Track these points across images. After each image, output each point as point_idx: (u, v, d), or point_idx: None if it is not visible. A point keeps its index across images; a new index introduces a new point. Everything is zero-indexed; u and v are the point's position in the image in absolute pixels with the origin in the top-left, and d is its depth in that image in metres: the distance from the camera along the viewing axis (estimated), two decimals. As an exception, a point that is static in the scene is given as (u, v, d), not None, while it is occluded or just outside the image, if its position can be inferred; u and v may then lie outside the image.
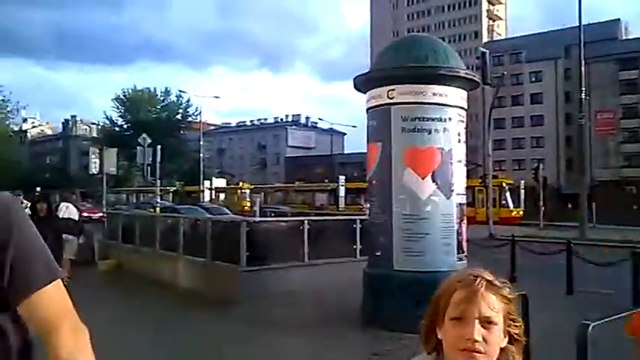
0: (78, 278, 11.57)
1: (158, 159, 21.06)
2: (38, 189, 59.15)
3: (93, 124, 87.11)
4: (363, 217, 9.88)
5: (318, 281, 8.90)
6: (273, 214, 18.33)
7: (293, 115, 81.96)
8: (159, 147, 21.68)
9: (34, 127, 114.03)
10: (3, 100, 31.88)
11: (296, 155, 71.43)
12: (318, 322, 7.08)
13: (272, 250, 8.90)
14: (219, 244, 9.14)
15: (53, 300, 1.17)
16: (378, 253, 6.89)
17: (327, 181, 41.64)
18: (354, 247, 9.82)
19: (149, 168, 21.20)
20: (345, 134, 79.76)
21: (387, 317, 6.39)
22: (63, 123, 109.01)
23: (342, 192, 34.86)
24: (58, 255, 6.82)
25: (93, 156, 12.97)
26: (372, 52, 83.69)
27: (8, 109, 32.46)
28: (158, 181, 21.57)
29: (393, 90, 6.77)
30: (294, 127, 78.59)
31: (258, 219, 9.10)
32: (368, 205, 7.32)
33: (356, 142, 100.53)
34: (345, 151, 74.56)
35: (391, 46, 7.59)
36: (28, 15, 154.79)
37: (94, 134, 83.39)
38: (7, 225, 1.16)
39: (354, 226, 9.86)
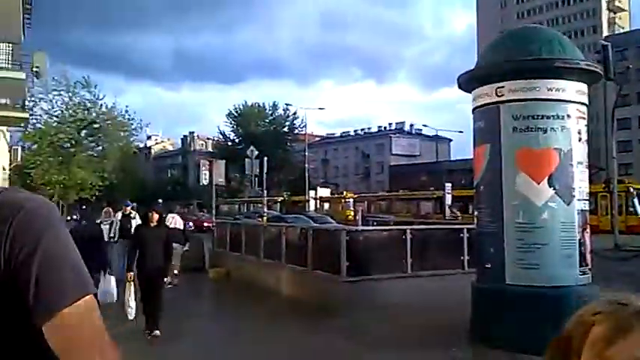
0: (189, 285, 12.14)
1: (265, 170, 21.73)
2: (160, 201, 63.95)
3: (208, 139, 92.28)
4: (470, 227, 9.25)
5: (422, 294, 8.41)
6: (375, 223, 17.98)
7: (397, 123, 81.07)
8: (265, 159, 22.37)
9: (156, 143, 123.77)
10: (128, 119, 34.46)
11: (400, 163, 70.42)
12: (422, 339, 6.64)
13: (373, 260, 8.60)
14: (320, 253, 9.01)
15: (83, 320, 0.98)
16: (488, 266, 6.32)
17: (432, 189, 40.45)
18: (462, 258, 9.20)
19: (256, 179, 21.91)
20: (450, 140, 77.40)
21: (498, 336, 5.81)
22: (182, 139, 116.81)
23: (448, 200, 33.58)
24: (166, 263, 7.03)
25: (203, 168, 13.52)
26: (479, 54, 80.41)
27: (133, 127, 35.06)
28: (265, 192, 22.19)
29: (502, 87, 6.20)
30: (398, 135, 77.64)
31: (358, 228, 8.84)
32: (476, 214, 6.76)
33: (463, 148, 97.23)
34: (452, 158, 72.25)
35: (499, 39, 6.99)
36: (152, 42, 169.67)
37: (210, 148, 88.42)
38: (35, 234, 0.99)
39: (461, 235, 9.24)
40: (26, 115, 16.25)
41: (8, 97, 13.97)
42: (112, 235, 11.15)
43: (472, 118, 6.75)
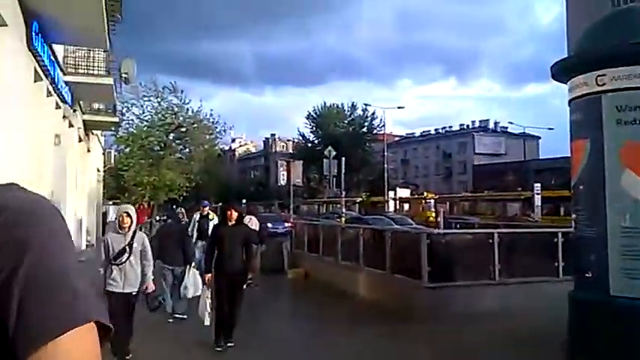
0: (269, 286, 12.17)
1: (343, 170, 21.56)
2: (244, 201, 65.95)
3: (289, 140, 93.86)
4: (566, 230, 8.48)
5: (511, 303, 7.82)
6: (458, 226, 17.20)
7: (480, 121, 77.96)
8: (343, 159, 22.19)
9: (240, 146, 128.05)
10: (212, 122, 35.64)
11: (484, 163, 67.63)
12: (510, 353, 6.10)
13: (457, 265, 8.09)
14: (400, 257, 8.63)
15: (75, 354, 0.74)
16: (588, 274, 5.66)
17: (520, 189, 38.40)
18: (556, 264, 8.46)
19: (335, 179, 21.78)
20: (539, 138, 73.24)
21: (599, 354, 5.18)
22: (264, 141, 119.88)
23: (538, 201, 31.72)
24: (248, 262, 6.65)
25: (281, 169, 13.54)
26: (569, 46, 75.68)
27: (217, 129, 36.27)
28: (344, 192, 22.01)
29: (604, 75, 5.52)
30: (481, 133, 74.63)
31: (441, 231, 8.37)
32: (573, 216, 6.10)
33: (553, 146, 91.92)
34: (541, 157, 68.39)
35: (599, 21, 6.25)
36: (237, 49, 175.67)
37: (290, 150, 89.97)
38: (19, 244, 0.75)
39: (555, 240, 8.49)
40: (116, 119, 17.18)
41: (101, 103, 14.84)
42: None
43: (568, 111, 6.10)
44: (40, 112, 9.35)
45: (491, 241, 8.17)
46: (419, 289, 7.81)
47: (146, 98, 34.96)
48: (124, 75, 20.40)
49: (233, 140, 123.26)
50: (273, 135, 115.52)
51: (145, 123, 35.92)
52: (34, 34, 7.49)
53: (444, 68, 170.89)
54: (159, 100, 35.21)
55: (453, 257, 8.16)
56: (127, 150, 36.07)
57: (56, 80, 10.11)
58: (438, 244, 8.05)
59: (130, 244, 5.56)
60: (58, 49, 10.53)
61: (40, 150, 9.41)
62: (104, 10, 7.90)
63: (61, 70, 11.02)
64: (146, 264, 5.73)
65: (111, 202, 38.25)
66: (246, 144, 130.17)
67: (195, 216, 11.29)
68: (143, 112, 35.72)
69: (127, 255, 5.52)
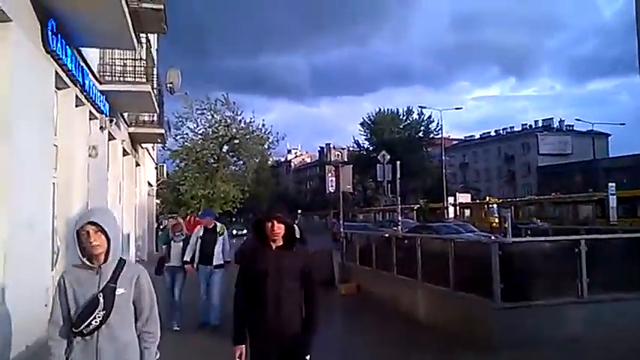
0: (326, 299, 11.21)
1: (398, 175, 20.33)
2: (299, 211, 65.61)
3: (343, 149, 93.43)
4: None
5: (605, 325, 6.44)
6: (529, 232, 15.54)
7: (544, 120, 73.97)
8: (398, 162, 20.96)
9: (296, 156, 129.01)
10: (265, 132, 35.44)
11: (550, 164, 63.96)
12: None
13: (535, 280, 6.76)
14: (464, 271, 7.38)
15: None
16: None
17: (591, 190, 35.60)
18: (657, 277, 6.98)
19: (389, 185, 20.59)
20: (609, 135, 68.65)
21: None
22: (319, 151, 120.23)
23: (612, 202, 29.09)
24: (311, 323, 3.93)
25: (329, 174, 12.54)
26: (640, 36, 70.65)
27: (270, 140, 36.11)
28: (399, 198, 20.77)
29: None
30: (545, 132, 70.73)
31: (513, 239, 7.08)
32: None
33: (624, 144, 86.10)
34: (610, 155, 63.95)
35: None
36: (290, 61, 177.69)
37: (345, 158, 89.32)
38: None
39: (656, 247, 7.00)
40: (162, 131, 16.80)
41: (143, 113, 14.45)
42: (186, 258, 7.89)
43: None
44: (68, 121, 8.81)
45: (576, 249, 6.80)
46: (489, 309, 6.54)
47: (199, 111, 35.17)
48: (169, 85, 20.19)
49: (289, 151, 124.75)
50: (328, 144, 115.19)
51: (200, 136, 36.11)
52: (50, 33, 6.89)
53: (501, 68, 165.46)
54: (212, 112, 35.30)
55: (530, 271, 6.84)
56: (183, 164, 36.44)
57: (87, 88, 9.60)
58: (512, 255, 6.75)
59: (109, 290, 2.74)
60: (91, 56, 10.04)
61: (70, 161, 8.86)
62: (125, 8, 7.22)
63: (95, 78, 10.56)
64: (146, 333, 2.85)
65: (169, 216, 38.85)
66: (301, 155, 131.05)
67: (197, 230, 8.15)
68: (197, 126, 35.91)
69: (99, 312, 2.70)
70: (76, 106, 9.58)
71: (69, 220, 8.78)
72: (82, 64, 9.21)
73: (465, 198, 45.53)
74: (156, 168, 27.91)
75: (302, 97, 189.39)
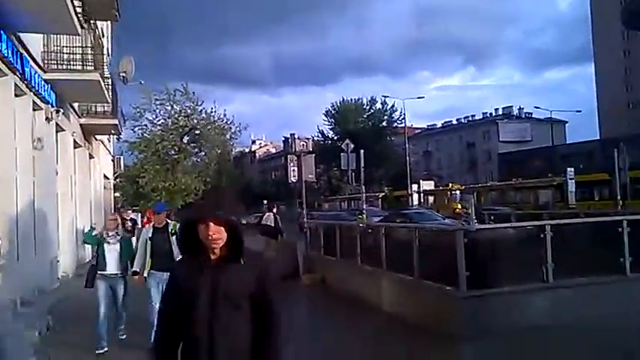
0: (289, 292, 10.91)
1: (362, 164, 20.16)
2: (265, 201, 65.14)
3: (308, 139, 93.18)
4: (633, 217, 6.99)
5: (571, 310, 6.38)
6: (492, 218, 15.60)
7: (503, 108, 75.41)
8: (362, 151, 20.78)
9: (260, 147, 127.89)
10: (226, 123, 34.66)
11: (510, 151, 65.29)
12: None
13: (501, 267, 6.63)
14: (429, 260, 7.20)
15: None
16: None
17: (550, 175, 36.39)
18: (621, 259, 6.95)
19: (353, 174, 20.40)
20: (566, 122, 70.45)
21: None
22: (284, 141, 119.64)
23: (571, 186, 29.77)
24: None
25: (291, 164, 12.20)
26: (594, 28, 72.70)
27: (232, 130, 35.39)
28: (364, 187, 20.61)
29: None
30: (505, 120, 72.14)
31: (477, 226, 6.93)
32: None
33: (580, 131, 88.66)
34: (568, 141, 65.68)
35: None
36: (252, 53, 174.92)
37: (310, 148, 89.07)
38: None
39: (620, 229, 6.96)
40: (115, 121, 16.07)
41: (93, 103, 13.73)
42: (135, 268, 6.49)
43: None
44: (7, 112, 8.18)
45: (542, 235, 6.69)
46: (455, 298, 6.37)
47: (158, 102, 34.13)
48: (122, 74, 19.36)
49: (253, 142, 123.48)
50: (292, 134, 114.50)
51: (159, 127, 35.07)
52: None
53: (462, 58, 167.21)
54: (171, 103, 34.32)
55: (496, 257, 6.70)
56: (142, 156, 35.36)
57: (29, 77, 8.94)
58: (477, 243, 6.59)
59: None
60: (33, 43, 9.34)
61: (10, 154, 8.24)
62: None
63: (38, 66, 9.88)
64: None
65: (130, 210, 37.77)
66: (266, 145, 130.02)
67: (144, 231, 6.73)
68: (156, 117, 34.86)
69: None
70: (16, 95, 8.94)
71: (11, 215, 8.20)
72: (22, 50, 8.56)
73: (428, 185, 45.98)
74: (112, 160, 26.92)
75: (264, 88, 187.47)
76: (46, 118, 10.51)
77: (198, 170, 36.35)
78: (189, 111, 34.64)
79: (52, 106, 10.63)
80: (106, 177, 23.10)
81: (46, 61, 10.45)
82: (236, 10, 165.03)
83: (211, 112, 34.85)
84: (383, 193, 49.72)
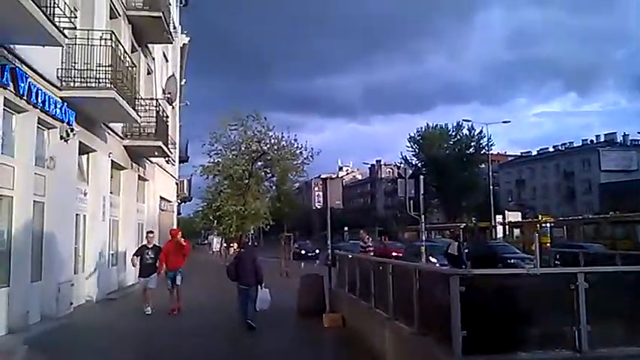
0: (303, 333, 9.73)
1: (421, 190, 18.52)
2: (346, 228, 63.99)
3: (395, 165, 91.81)
4: None
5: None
6: (558, 256, 13.32)
7: (606, 135, 68.97)
8: (421, 177, 19.20)
9: (347, 174, 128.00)
10: (297, 148, 34.19)
11: (613, 180, 59.23)
12: None
13: (512, 325, 5.00)
14: (428, 309, 5.71)
15: None
16: None
17: (657, 209, 31.95)
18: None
19: (411, 202, 18.80)
20: (680, 150, 63.02)
21: None
22: (370, 168, 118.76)
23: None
24: None
25: (316, 189, 11.09)
26: None
27: (304, 156, 34.79)
28: (423, 217, 18.91)
29: None
30: (608, 148, 65.78)
31: (476, 271, 5.33)
32: None
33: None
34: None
35: None
36: (344, 82, 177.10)
37: (396, 175, 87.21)
38: None
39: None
40: (159, 143, 15.88)
41: (115, 122, 13.43)
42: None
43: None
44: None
45: (573, 286, 5.00)
46: (447, 364, 4.85)
47: (233, 127, 34.56)
48: (167, 95, 19.39)
49: (340, 169, 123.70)
50: (378, 161, 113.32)
51: (232, 152, 35.45)
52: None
53: (562, 84, 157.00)
54: (244, 128, 34.61)
55: (507, 313, 5.07)
56: (216, 180, 35.92)
57: (28, 93, 8.61)
58: (482, 293, 5.04)
59: None
60: (41, 59, 9.07)
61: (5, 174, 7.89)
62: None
63: (50, 83, 9.65)
64: None
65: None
66: (353, 172, 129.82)
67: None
68: (231, 142, 35.26)
69: None
70: (17, 112, 8.70)
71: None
72: (18, 64, 8.27)
73: (514, 217, 42.40)
74: (177, 183, 27.21)
75: (355, 116, 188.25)
76: (61, 137, 10.26)
77: (268, 195, 36.33)
78: (260, 135, 34.78)
79: (69, 125, 10.38)
80: (165, 199, 23.23)
81: (64, 79, 10.27)
82: (331, 42, 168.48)
83: (281, 137, 34.70)
84: (464, 224, 46.70)
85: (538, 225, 37.22)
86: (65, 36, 7.75)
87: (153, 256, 11.61)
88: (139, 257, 11.70)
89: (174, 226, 27.82)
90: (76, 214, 11.74)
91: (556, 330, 5.04)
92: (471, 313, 4.89)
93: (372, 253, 15.81)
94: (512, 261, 19.38)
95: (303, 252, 38.56)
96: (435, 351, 5.15)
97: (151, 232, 12.79)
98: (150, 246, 11.86)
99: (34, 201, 9.29)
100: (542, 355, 4.90)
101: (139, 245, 13.10)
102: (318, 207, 11.30)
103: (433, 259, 19.61)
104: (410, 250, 20.44)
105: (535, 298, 5.12)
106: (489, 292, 5.16)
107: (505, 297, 5.14)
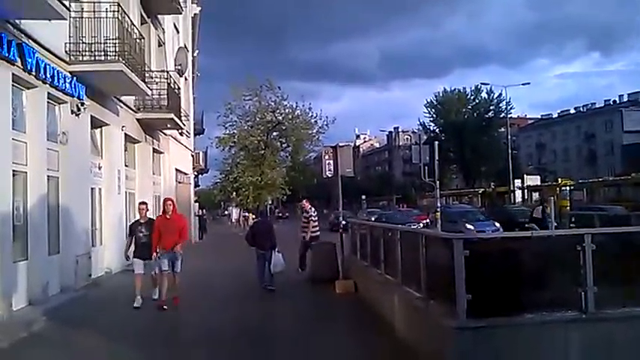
0: (317, 299, 9.87)
1: (436, 157, 18.35)
2: (363, 197, 64.06)
3: (413, 132, 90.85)
4: None
5: (618, 352, 4.60)
6: (573, 219, 13.17)
7: (629, 94, 67.08)
8: (436, 143, 18.97)
9: (364, 142, 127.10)
10: (311, 117, 34.11)
11: (636, 142, 57.90)
12: None
13: (516, 289, 4.99)
14: (433, 274, 5.72)
15: None
16: None
17: (680, 170, 31.28)
18: None
19: (426, 168, 18.67)
20: None
21: None
22: (387, 135, 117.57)
23: None
24: None
25: (326, 157, 11.03)
26: None
27: (319, 125, 34.77)
28: (437, 183, 18.78)
29: None
30: (631, 108, 64.07)
31: (480, 236, 5.27)
32: None
33: None
34: None
35: None
36: (360, 48, 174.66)
37: (414, 141, 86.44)
38: None
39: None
40: (170, 115, 15.92)
41: (124, 94, 13.44)
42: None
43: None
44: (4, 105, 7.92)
45: (579, 248, 4.94)
46: (450, 330, 4.87)
47: (247, 97, 34.43)
48: (177, 67, 19.31)
49: (357, 137, 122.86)
50: (396, 128, 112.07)
51: (247, 123, 35.43)
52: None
53: (585, 44, 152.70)
54: (258, 99, 34.46)
55: (511, 277, 5.05)
56: (232, 151, 36.08)
57: (37, 68, 8.65)
58: (485, 255, 5.02)
59: None
60: (48, 33, 9.07)
61: (5, 149, 7.97)
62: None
63: (58, 57, 9.67)
64: None
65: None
66: (370, 140, 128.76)
67: None
68: (245, 113, 35.21)
69: None
70: (26, 88, 8.77)
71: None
72: (25, 40, 8.29)
73: (534, 180, 41.92)
74: (192, 155, 27.36)
75: (373, 82, 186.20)
76: (72, 112, 10.34)
77: (284, 166, 36.40)
78: (274, 105, 34.62)
79: (79, 99, 10.44)
80: (181, 172, 23.43)
81: (72, 53, 10.28)
82: (348, 7, 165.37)
83: (296, 106, 34.50)
84: (482, 189, 46.31)
85: (557, 188, 36.74)
86: (67, 9, 7.73)
87: (147, 233, 9.17)
88: (132, 237, 9.43)
89: (192, 198, 28.13)
90: (92, 188, 11.92)
91: (562, 292, 5.02)
92: (476, 277, 4.88)
93: (316, 229, 12.74)
94: (528, 225, 19.21)
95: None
96: (441, 315, 5.18)
97: (143, 202, 10.06)
98: (143, 221, 9.43)
99: (48, 176, 9.45)
100: (547, 317, 4.89)
101: (131, 222, 10.54)
102: (329, 175, 11.21)
103: (469, 226, 19.48)
104: (446, 216, 20.09)
105: (542, 261, 5.08)
106: (494, 256, 5.13)
107: (511, 260, 5.10)
